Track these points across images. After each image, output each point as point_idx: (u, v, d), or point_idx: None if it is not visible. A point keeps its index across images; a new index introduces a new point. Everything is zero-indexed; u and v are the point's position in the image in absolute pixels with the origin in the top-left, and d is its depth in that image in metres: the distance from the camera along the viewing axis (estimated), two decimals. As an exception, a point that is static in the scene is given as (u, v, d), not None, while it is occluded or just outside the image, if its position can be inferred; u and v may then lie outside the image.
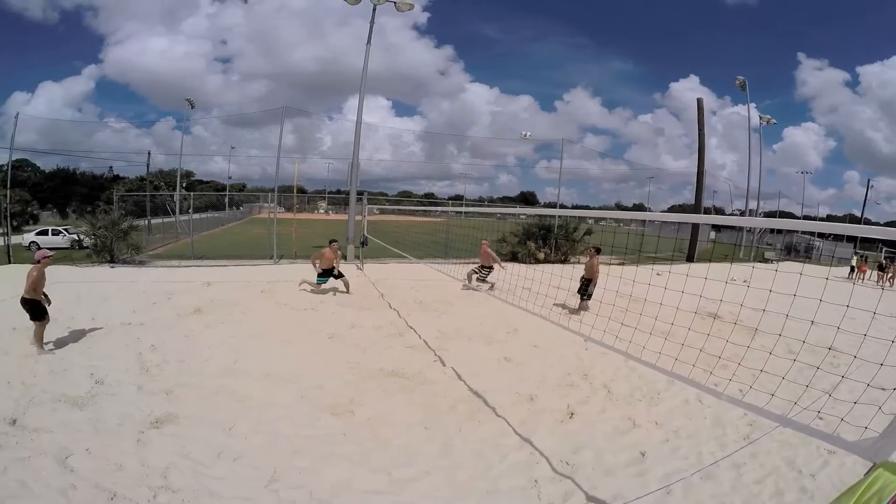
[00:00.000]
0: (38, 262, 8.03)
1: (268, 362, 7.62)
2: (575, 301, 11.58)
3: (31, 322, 7.88)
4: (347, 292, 12.93)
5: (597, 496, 4.19)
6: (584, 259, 21.11)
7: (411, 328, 9.70)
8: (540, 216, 22.33)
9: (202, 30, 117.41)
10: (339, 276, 13.10)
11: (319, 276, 12.92)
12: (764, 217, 39.20)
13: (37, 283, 7.82)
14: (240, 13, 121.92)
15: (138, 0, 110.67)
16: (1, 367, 7.28)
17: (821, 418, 4.98)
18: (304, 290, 12.98)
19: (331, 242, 13.19)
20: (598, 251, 12.16)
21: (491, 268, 13.83)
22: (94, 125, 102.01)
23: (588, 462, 4.71)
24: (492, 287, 13.30)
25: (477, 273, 13.91)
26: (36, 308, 7.81)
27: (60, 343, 8.18)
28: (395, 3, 19.54)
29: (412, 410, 5.95)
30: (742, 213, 40.97)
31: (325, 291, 12.95)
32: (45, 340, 7.97)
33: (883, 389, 3.58)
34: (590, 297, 11.31)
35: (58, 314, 9.72)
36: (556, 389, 6.57)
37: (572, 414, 5.78)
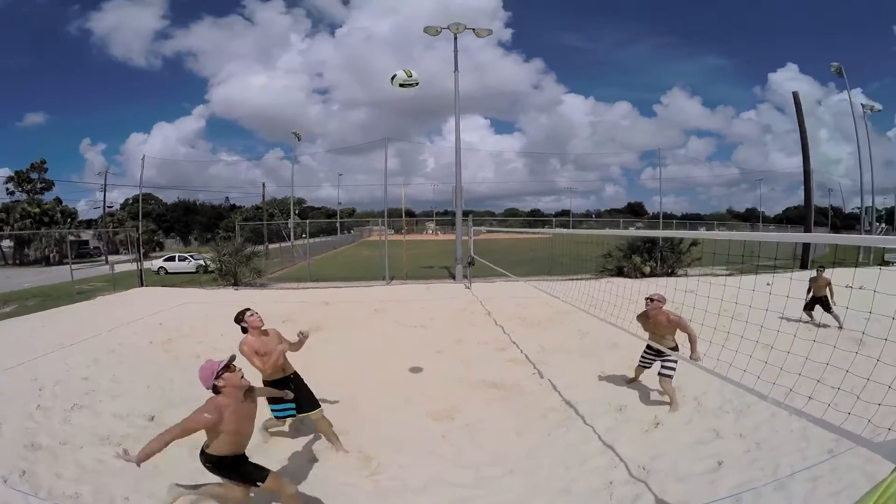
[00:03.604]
0: None
1: (380, 372, 8.42)
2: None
3: None
4: None
5: (665, 499, 4.50)
6: (691, 271, 20.92)
7: (514, 343, 10.19)
8: (646, 228, 22.16)
9: (297, 65, 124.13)
10: None
11: None
12: None
13: None
14: (330, 46, 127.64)
15: (233, 43, 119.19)
16: (142, 375, 8.53)
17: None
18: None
19: None
20: (823, 269, 11.30)
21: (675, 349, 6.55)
22: (207, 161, 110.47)
23: (664, 469, 5.00)
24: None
25: (647, 361, 7.09)
26: None
27: (195, 356, 9.20)
28: (473, 30, 20.71)
29: (507, 417, 6.47)
30: (859, 211, 37.84)
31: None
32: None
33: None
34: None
35: (191, 331, 11.20)
36: (648, 401, 6.86)
37: (658, 424, 6.07)
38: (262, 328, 5.58)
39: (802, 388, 4.71)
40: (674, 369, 6.47)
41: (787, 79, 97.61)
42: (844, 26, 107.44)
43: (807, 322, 10.91)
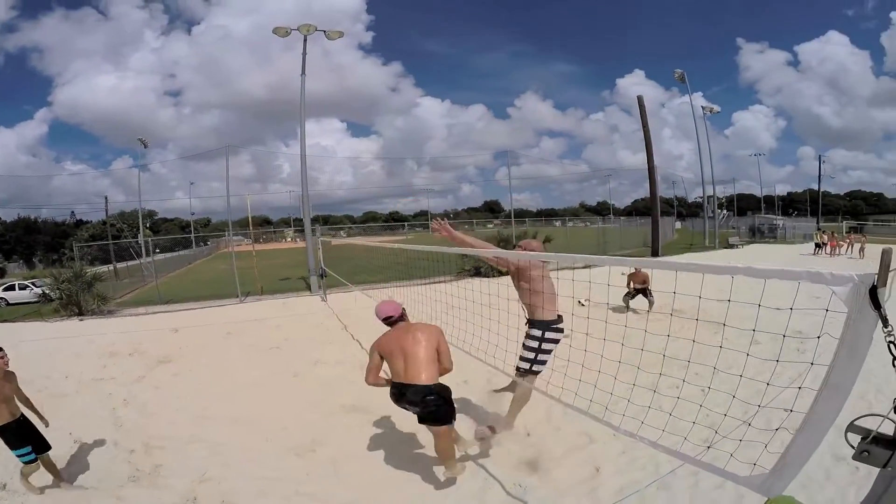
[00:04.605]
0: None
1: (235, 407, 7.72)
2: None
3: None
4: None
5: (548, 517, 4.17)
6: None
7: (373, 360, 9.68)
8: (502, 227, 22.47)
9: (149, 64, 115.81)
10: None
11: None
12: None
13: None
14: (185, 46, 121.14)
15: (82, 38, 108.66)
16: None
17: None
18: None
19: None
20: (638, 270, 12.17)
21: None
22: (50, 170, 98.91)
23: (541, 483, 4.76)
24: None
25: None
26: None
27: (37, 405, 8.16)
28: (325, 32, 20.08)
29: (371, 445, 6.10)
30: (702, 200, 42.70)
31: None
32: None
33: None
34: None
35: (33, 375, 9.74)
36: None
37: (528, 434, 5.84)
38: (7, 370, 5.53)
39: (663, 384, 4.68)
40: (530, 361, 5.08)
41: (634, 83, 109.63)
42: (691, 36, 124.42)
43: (628, 311, 11.99)
